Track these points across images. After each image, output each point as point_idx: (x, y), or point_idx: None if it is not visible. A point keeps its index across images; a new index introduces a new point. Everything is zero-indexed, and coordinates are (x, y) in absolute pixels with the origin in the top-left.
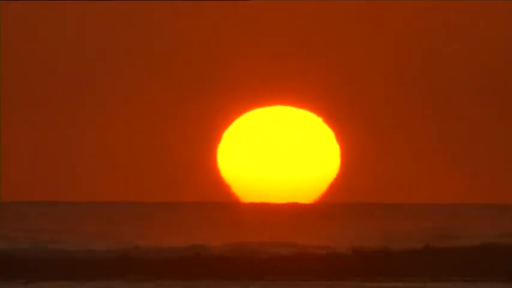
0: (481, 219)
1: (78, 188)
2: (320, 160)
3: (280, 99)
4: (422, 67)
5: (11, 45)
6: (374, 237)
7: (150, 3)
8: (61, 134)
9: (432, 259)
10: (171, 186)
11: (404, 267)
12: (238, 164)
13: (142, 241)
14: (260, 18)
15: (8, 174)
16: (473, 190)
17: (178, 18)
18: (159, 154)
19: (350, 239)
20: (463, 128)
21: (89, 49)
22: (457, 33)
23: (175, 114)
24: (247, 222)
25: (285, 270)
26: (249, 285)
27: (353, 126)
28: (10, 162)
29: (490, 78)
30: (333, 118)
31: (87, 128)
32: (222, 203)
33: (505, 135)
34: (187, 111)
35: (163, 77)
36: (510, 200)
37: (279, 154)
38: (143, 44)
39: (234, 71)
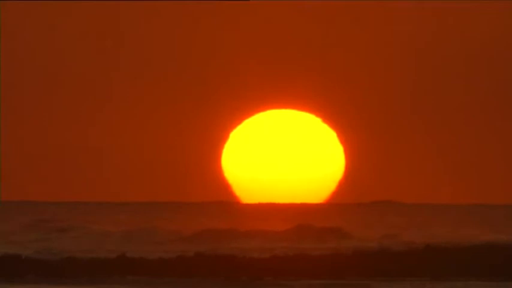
0: (480, 219)
1: (80, 188)
2: (325, 160)
3: (280, 102)
4: (421, 66)
5: (11, 45)
6: (374, 237)
7: (163, 4)
8: (66, 134)
9: (432, 259)
10: (173, 185)
11: (404, 267)
12: (241, 165)
13: (142, 240)
14: (261, 20)
15: (8, 174)
16: (474, 190)
17: (191, 21)
18: (164, 153)
19: (351, 239)
20: (464, 127)
21: (96, 49)
22: (457, 34)
23: (185, 114)
24: (248, 222)
25: (285, 270)
26: (249, 285)
27: (353, 126)
28: (10, 162)
29: (491, 79)
30: (334, 119)
31: (90, 127)
32: (223, 203)
33: (505, 136)
34: (195, 114)
35: (174, 78)
36: (509, 200)
37: (284, 155)
38: (153, 44)
39: (239, 74)
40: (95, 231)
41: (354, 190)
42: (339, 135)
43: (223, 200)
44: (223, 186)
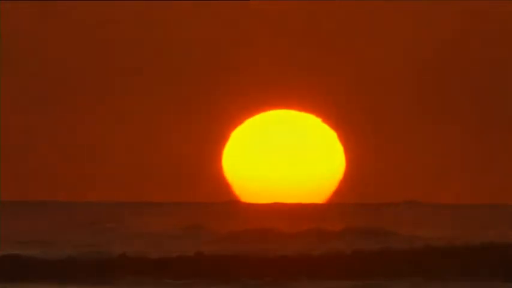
0: (481, 219)
1: (81, 188)
2: (325, 160)
3: (280, 102)
4: (422, 65)
5: (11, 45)
6: (374, 237)
7: (163, 4)
8: (67, 133)
9: (432, 259)
10: (173, 184)
11: (404, 267)
12: (242, 165)
13: (142, 241)
14: (261, 20)
15: (8, 174)
16: (474, 190)
17: (192, 20)
18: (164, 153)
19: (350, 239)
20: (465, 126)
21: (96, 49)
22: (455, 34)
23: (186, 114)
24: (248, 223)
25: (285, 270)
26: (249, 285)
27: (353, 126)
28: (10, 162)
29: (492, 79)
30: (334, 119)
31: (91, 127)
32: (224, 203)
33: (505, 136)
34: (196, 114)
35: (174, 78)
36: (510, 200)
37: (285, 155)
38: (153, 44)
39: (240, 74)
40: (95, 232)
41: (354, 190)
42: (339, 135)
43: (224, 200)
44: (223, 186)
